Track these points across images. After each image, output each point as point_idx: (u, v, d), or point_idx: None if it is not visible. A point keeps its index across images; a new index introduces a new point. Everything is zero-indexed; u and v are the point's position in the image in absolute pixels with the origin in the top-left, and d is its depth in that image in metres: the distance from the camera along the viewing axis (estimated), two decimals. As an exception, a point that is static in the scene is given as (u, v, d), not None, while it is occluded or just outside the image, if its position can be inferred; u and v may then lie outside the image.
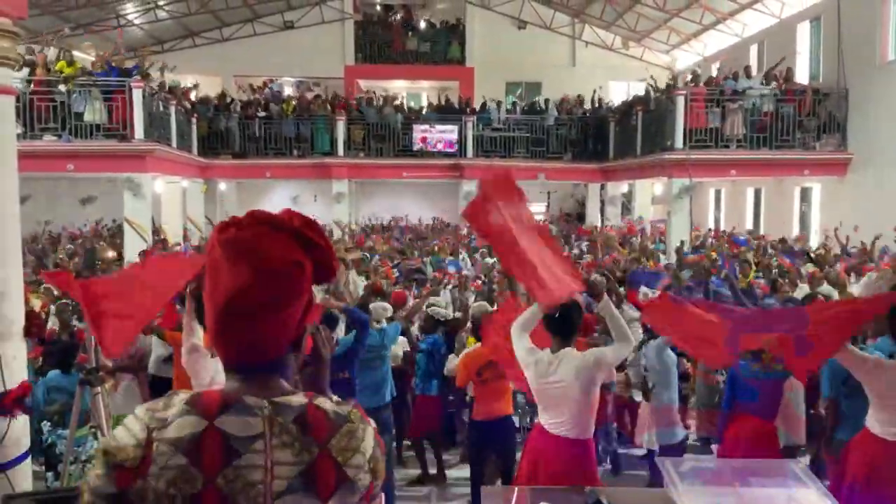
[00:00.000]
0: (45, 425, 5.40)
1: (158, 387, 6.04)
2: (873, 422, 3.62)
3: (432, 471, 6.63)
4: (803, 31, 17.84)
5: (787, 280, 8.98)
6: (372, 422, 1.45)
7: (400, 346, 6.94)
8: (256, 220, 1.35)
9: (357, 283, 8.79)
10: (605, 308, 4.00)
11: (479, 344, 5.56)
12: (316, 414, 1.35)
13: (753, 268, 10.27)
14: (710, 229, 19.91)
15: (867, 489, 3.49)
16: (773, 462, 3.51)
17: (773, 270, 10.25)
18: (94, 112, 14.15)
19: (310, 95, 21.35)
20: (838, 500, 3.06)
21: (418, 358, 6.62)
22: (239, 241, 1.33)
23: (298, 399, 1.36)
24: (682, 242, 14.21)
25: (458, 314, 7.21)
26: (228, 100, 20.07)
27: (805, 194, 17.91)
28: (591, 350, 3.99)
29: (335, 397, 1.48)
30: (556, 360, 3.87)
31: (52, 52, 14.72)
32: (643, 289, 7.28)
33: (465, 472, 6.05)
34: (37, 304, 7.78)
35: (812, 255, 11.67)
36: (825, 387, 4.64)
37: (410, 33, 25.42)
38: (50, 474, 5.38)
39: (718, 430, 5.19)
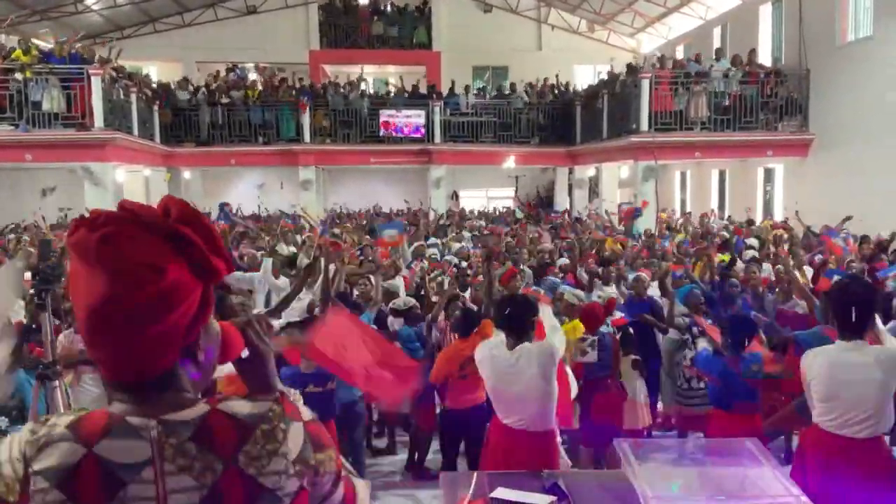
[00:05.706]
0: (3, 421, 5.29)
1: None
2: (819, 416, 3.54)
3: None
4: (765, 12, 18.01)
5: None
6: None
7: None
8: (113, 217, 1.15)
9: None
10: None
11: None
12: (220, 422, 1.16)
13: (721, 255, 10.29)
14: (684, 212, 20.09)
15: (821, 481, 3.41)
16: (730, 441, 3.52)
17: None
18: (51, 100, 13.88)
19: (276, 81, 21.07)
20: (798, 483, 3.05)
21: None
22: (88, 243, 1.12)
23: (197, 410, 1.17)
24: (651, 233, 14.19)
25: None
26: (191, 87, 19.73)
27: (768, 175, 18.15)
28: (545, 340, 3.99)
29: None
30: (513, 357, 3.85)
31: (4, 39, 14.37)
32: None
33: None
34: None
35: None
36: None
37: (376, 17, 25.14)
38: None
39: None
